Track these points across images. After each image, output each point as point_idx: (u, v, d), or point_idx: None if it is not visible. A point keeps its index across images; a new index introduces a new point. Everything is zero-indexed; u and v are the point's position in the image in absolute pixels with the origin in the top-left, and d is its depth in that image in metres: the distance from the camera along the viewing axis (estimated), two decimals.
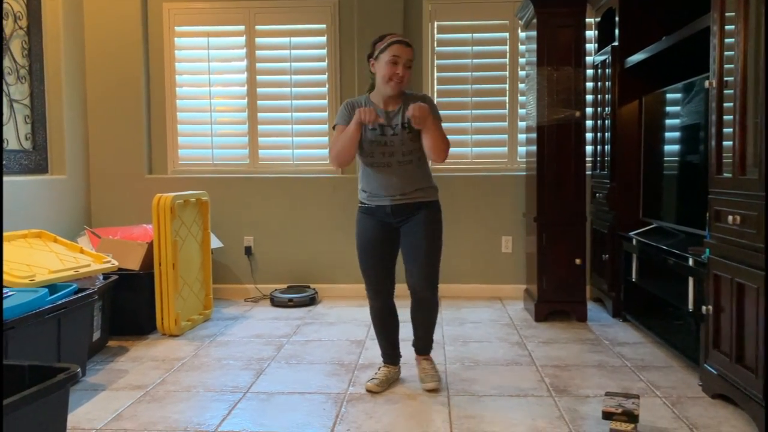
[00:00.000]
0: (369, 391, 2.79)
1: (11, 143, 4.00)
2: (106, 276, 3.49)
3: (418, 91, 2.80)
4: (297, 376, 3.01)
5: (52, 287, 2.92)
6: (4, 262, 2.92)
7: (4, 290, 2.72)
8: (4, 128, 3.94)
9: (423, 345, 2.93)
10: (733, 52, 2.48)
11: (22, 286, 2.76)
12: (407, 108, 2.63)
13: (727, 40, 2.55)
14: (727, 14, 2.54)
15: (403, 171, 2.71)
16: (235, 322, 4.08)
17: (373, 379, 2.84)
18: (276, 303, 4.52)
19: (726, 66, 2.56)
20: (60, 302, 2.78)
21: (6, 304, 2.54)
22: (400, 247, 2.81)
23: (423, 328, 2.89)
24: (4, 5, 3.93)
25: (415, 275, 2.75)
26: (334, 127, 2.77)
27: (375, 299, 2.86)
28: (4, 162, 3.89)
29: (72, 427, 2.43)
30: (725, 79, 2.56)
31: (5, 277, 2.76)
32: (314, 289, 4.70)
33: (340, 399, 2.73)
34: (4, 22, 3.93)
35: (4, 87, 3.94)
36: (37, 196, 4.13)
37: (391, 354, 2.93)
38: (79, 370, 1.96)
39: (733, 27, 2.48)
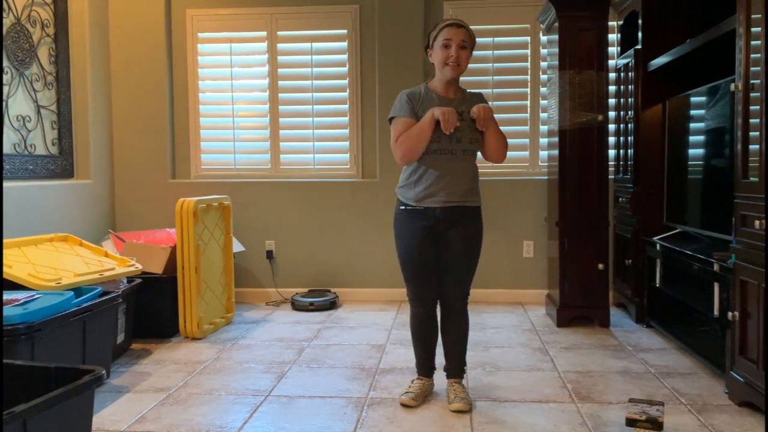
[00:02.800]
0: (404, 405, 2.68)
1: (38, 148, 4.07)
2: (130, 279, 3.53)
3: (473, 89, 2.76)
4: (318, 380, 3.02)
5: (78, 290, 2.96)
6: (32, 266, 2.97)
7: (31, 293, 2.76)
8: (32, 134, 4.01)
9: (455, 365, 2.76)
10: (759, 55, 2.45)
11: (48, 289, 2.80)
12: (466, 100, 2.64)
13: (753, 43, 2.51)
14: (753, 16, 2.51)
15: (463, 163, 2.59)
16: (257, 325, 4.10)
17: (407, 392, 2.73)
18: (297, 307, 4.54)
19: (752, 68, 2.52)
20: (85, 305, 2.82)
21: (33, 306, 2.58)
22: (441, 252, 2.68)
23: (454, 343, 2.74)
24: (32, 13, 4.00)
25: (450, 285, 2.66)
26: (390, 120, 2.64)
27: (420, 307, 2.70)
28: (31, 167, 3.96)
29: (96, 428, 2.46)
30: (751, 81, 2.52)
31: (32, 280, 2.81)
32: (335, 293, 4.71)
33: (361, 403, 2.73)
34: (32, 29, 4.01)
35: (32, 93, 4.01)
36: (63, 200, 4.19)
37: (426, 365, 2.80)
38: (104, 372, 1.98)
39: (759, 29, 2.44)
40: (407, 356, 3.35)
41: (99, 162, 4.66)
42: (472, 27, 4.65)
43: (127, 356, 3.45)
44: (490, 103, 4.64)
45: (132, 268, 3.37)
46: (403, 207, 2.66)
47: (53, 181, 4.15)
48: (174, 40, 4.89)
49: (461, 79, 2.72)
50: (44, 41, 4.14)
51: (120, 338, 3.38)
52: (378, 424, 2.51)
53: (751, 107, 2.52)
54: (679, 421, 2.50)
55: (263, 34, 4.83)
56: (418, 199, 2.60)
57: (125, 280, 3.48)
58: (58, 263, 3.11)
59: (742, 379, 2.59)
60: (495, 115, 4.93)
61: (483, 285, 4.71)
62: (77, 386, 1.85)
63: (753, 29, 2.51)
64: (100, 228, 4.67)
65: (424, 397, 2.75)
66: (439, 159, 2.57)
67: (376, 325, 4.06)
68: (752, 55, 2.52)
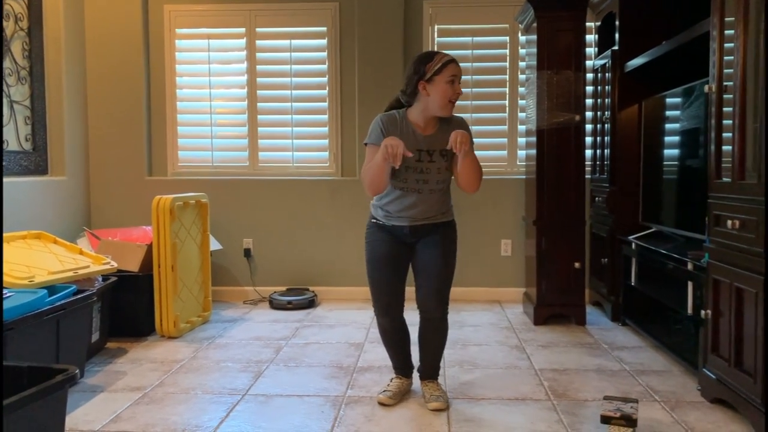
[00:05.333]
0: (381, 403, 2.68)
1: (11, 144, 4.00)
2: (105, 277, 3.49)
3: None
4: (295, 379, 3.01)
5: (52, 288, 2.92)
6: (4, 263, 2.91)
7: (4, 291, 2.72)
8: (5, 129, 3.94)
9: (429, 371, 2.77)
10: (732, 57, 2.49)
11: (21, 287, 2.75)
12: (445, 132, 2.50)
13: (726, 45, 2.55)
14: (726, 19, 2.55)
15: (430, 198, 2.56)
16: (234, 324, 4.08)
17: (385, 391, 2.73)
18: (275, 305, 4.52)
19: (726, 71, 2.56)
20: (59, 303, 2.78)
21: (5, 304, 2.54)
22: (412, 263, 2.68)
23: (430, 352, 2.73)
24: (5, 6, 3.93)
25: (425, 293, 2.62)
26: (365, 144, 2.57)
27: (383, 316, 2.69)
28: (4, 163, 3.89)
29: (70, 428, 2.43)
30: (725, 83, 2.56)
31: (5, 278, 2.76)
32: (313, 291, 4.70)
33: (339, 402, 2.72)
34: (5, 23, 3.94)
35: (5, 88, 3.94)
36: (36, 197, 4.13)
37: (402, 366, 2.81)
38: (77, 371, 1.96)
39: (732, 32, 2.48)
40: (385, 355, 3.33)
41: (74, 158, 4.59)
42: (451, 26, 4.74)
43: (102, 355, 3.40)
44: (469, 103, 4.71)
45: (107, 266, 3.33)
46: (374, 221, 2.68)
47: (26, 178, 4.08)
48: (151, 36, 4.84)
49: None
50: (17, 35, 4.07)
51: (95, 337, 3.34)
52: (355, 422, 2.51)
53: (725, 109, 2.57)
54: (653, 417, 2.54)
55: (242, 30, 4.80)
56: (387, 218, 2.62)
57: (100, 278, 3.44)
58: (32, 261, 3.06)
59: (714, 377, 2.63)
60: (475, 115, 4.96)
61: (461, 283, 4.73)
62: (50, 386, 1.83)
63: (726, 32, 2.55)
64: (75, 225, 4.60)
65: (401, 395, 2.76)
66: (406, 194, 2.56)
67: (355, 324, 4.05)
68: (725, 58, 2.56)
